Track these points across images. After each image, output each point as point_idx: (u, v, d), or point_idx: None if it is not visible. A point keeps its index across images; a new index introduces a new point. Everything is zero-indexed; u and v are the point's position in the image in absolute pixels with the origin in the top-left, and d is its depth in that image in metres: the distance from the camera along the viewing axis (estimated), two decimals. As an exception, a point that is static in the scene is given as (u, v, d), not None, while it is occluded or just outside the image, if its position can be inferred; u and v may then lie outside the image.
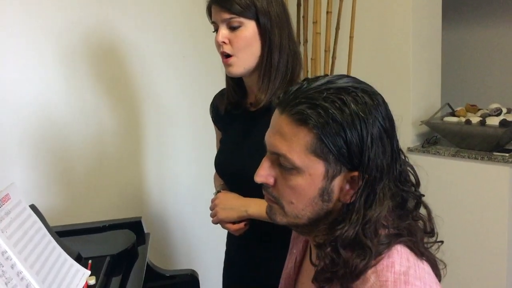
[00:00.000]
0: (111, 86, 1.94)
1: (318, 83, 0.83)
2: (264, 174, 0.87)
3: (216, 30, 1.28)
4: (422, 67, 2.50)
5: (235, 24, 1.25)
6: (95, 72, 1.89)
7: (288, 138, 0.81)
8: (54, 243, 1.20)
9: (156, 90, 2.08)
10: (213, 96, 1.55)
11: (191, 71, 2.20)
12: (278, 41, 1.27)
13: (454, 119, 2.38)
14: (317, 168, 0.81)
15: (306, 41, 2.33)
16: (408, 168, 0.91)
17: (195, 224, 2.26)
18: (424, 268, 0.83)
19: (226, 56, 1.28)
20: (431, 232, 0.92)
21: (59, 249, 1.20)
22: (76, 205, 1.86)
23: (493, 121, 2.24)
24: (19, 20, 1.68)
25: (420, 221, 0.91)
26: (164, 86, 2.10)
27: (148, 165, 2.09)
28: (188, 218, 2.24)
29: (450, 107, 2.48)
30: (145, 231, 1.59)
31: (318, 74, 2.25)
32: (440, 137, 2.51)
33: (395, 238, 0.84)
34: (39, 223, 1.19)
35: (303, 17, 2.33)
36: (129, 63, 1.98)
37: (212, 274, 2.33)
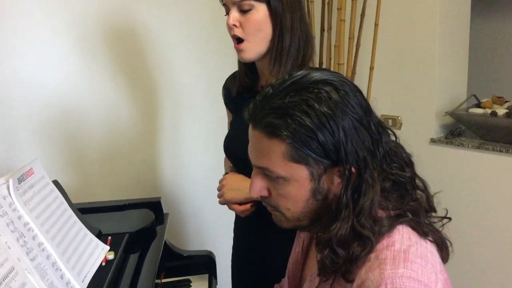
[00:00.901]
0: (128, 71, 1.97)
1: (281, 88, 0.83)
2: (257, 189, 0.89)
3: (227, 13, 1.28)
4: (449, 57, 2.45)
5: (246, 7, 1.24)
6: (112, 56, 1.92)
7: (265, 153, 0.83)
8: (75, 217, 1.23)
9: (172, 75, 2.10)
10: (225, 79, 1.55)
11: (207, 56, 2.21)
12: (290, 24, 1.26)
13: (479, 111, 2.33)
14: (301, 173, 0.82)
15: (330, 28, 2.31)
16: (394, 146, 0.90)
17: (208, 206, 2.28)
18: (427, 247, 0.83)
19: (237, 40, 1.28)
20: (429, 209, 0.91)
21: (79, 224, 1.23)
22: (92, 185, 1.91)
23: (520, 113, 2.19)
24: (38, 7, 1.71)
25: (421, 199, 0.90)
26: (180, 70, 2.12)
27: (163, 148, 2.12)
28: (201, 199, 2.26)
29: (476, 98, 2.43)
30: (164, 211, 1.61)
31: (342, 62, 2.23)
32: (464, 129, 2.47)
33: (396, 220, 0.84)
34: (61, 198, 1.22)
35: (328, 3, 2.31)
36: (146, 47, 2.01)
37: (226, 257, 2.37)
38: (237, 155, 1.41)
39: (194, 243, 2.22)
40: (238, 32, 1.26)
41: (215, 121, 2.25)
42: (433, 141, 2.45)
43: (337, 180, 0.83)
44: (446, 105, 2.48)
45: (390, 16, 2.37)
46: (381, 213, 0.84)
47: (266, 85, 1.32)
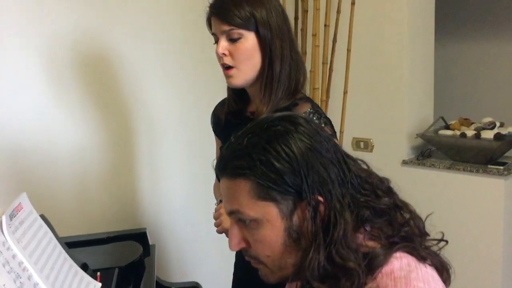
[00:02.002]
0: (103, 96, 1.92)
1: (240, 134, 0.85)
2: (235, 242, 0.87)
3: (216, 41, 1.28)
4: (416, 81, 2.53)
5: (235, 36, 1.25)
6: (87, 81, 1.86)
7: (234, 195, 0.83)
8: (65, 254, 1.17)
9: (148, 100, 2.05)
10: (214, 106, 1.56)
11: (184, 81, 2.18)
12: (279, 51, 1.26)
13: (449, 132, 2.41)
14: (270, 211, 0.81)
15: (305, 53, 2.34)
16: (366, 175, 0.89)
17: (190, 235, 2.23)
18: (427, 271, 0.82)
19: (226, 67, 1.28)
20: (421, 234, 0.90)
21: (70, 261, 1.17)
22: (69, 218, 1.81)
23: (488, 134, 2.28)
24: (6, 31, 1.64)
25: (411, 223, 0.89)
26: (156, 96, 2.08)
27: (141, 175, 2.05)
28: (184, 227, 2.21)
29: (444, 120, 2.52)
30: (150, 242, 1.56)
31: (317, 87, 2.26)
32: (434, 150, 2.54)
33: (391, 248, 0.83)
34: (50, 233, 1.16)
35: (302, 29, 2.35)
36: (122, 71, 1.96)
37: (212, 286, 2.30)
38: None
39: (177, 274, 2.15)
40: (227, 60, 1.27)
41: (193, 146, 2.22)
42: (405, 162, 2.51)
43: (308, 215, 0.81)
44: (415, 127, 2.55)
45: (362, 42, 2.44)
46: (374, 244, 0.83)
47: (256, 112, 1.32)
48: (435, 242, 0.91)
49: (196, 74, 2.21)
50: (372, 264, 0.80)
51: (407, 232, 0.86)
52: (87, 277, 1.18)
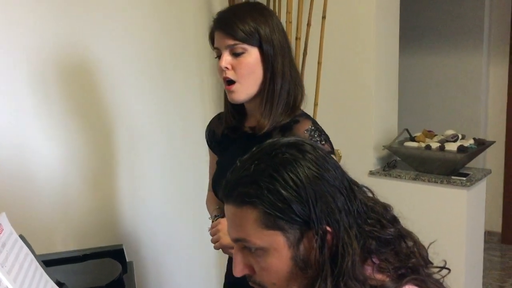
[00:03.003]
0: (81, 106, 1.85)
1: (247, 158, 0.84)
2: (239, 268, 0.86)
3: (219, 56, 1.28)
4: (383, 94, 2.60)
5: (239, 51, 1.26)
6: (64, 91, 1.79)
7: (239, 223, 0.82)
8: (46, 276, 1.12)
9: (128, 109, 2.00)
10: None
11: (164, 89, 2.14)
12: (281, 68, 1.28)
13: (414, 144, 2.49)
14: (278, 240, 0.80)
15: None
16: (372, 203, 0.88)
17: (170, 248, 2.19)
18: None
19: (228, 82, 1.28)
20: (426, 262, 0.91)
21: (51, 282, 1.13)
22: (44, 233, 1.74)
23: (451, 146, 2.37)
24: None
25: (416, 253, 0.89)
26: (137, 107, 2.04)
27: (119, 190, 2.00)
28: (162, 244, 2.17)
29: (409, 132, 2.60)
30: (127, 259, 1.52)
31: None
32: (398, 161, 2.61)
33: (401, 281, 0.83)
34: (31, 255, 1.11)
35: (273, 42, 2.36)
36: (101, 79, 1.90)
37: None
38: None
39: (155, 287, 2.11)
40: (230, 74, 1.27)
41: (175, 158, 2.18)
42: (371, 173, 2.57)
43: (315, 244, 0.80)
44: (380, 139, 2.61)
45: (331, 55, 2.48)
46: (382, 277, 0.83)
47: (257, 126, 1.32)
48: (436, 270, 0.92)
49: (177, 81, 2.18)
50: None
51: (413, 263, 0.86)
52: (69, 299, 1.14)
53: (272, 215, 0.78)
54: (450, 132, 2.49)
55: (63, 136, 1.79)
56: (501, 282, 3.40)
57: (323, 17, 2.32)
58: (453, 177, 2.34)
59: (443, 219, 2.37)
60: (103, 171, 1.93)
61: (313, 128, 1.31)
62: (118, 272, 1.35)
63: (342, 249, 0.79)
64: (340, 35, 2.52)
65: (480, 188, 2.48)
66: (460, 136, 2.46)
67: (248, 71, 1.26)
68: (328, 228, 0.79)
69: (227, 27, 1.25)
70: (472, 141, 2.45)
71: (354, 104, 2.56)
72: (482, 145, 2.48)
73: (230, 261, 1.49)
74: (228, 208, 0.84)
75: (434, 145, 2.41)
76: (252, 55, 1.26)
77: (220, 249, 1.34)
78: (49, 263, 1.34)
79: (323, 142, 1.30)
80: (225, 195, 0.85)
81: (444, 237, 2.41)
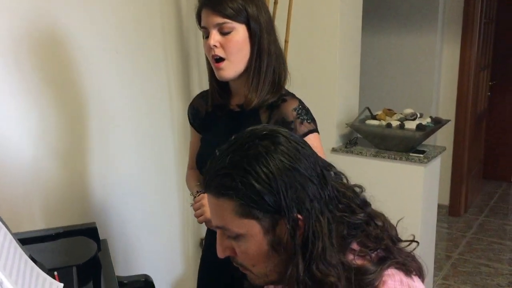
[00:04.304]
0: (50, 83, 1.79)
1: (224, 149, 0.88)
2: (221, 250, 0.92)
3: (207, 35, 1.30)
4: (346, 73, 2.66)
5: (227, 30, 1.27)
6: (36, 64, 1.73)
7: (219, 212, 0.88)
8: (25, 255, 1.11)
9: (100, 85, 1.95)
10: (193, 98, 1.57)
11: (133, 68, 2.10)
12: (267, 46, 1.31)
13: (375, 122, 2.57)
14: (253, 227, 0.86)
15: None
16: (343, 188, 0.93)
17: (140, 226, 2.19)
18: (416, 285, 0.89)
19: (217, 60, 1.30)
20: (396, 240, 0.96)
21: (30, 263, 1.12)
22: (15, 212, 1.70)
23: (410, 125, 2.47)
24: None
25: (385, 234, 0.93)
26: (107, 84, 1.98)
27: (90, 167, 1.96)
28: (132, 221, 2.15)
29: (370, 111, 2.68)
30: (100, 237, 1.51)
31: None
32: (360, 138, 2.70)
33: (382, 264, 0.88)
34: (10, 235, 1.10)
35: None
36: (70, 58, 1.84)
37: (163, 278, 2.29)
38: None
39: (124, 268, 2.09)
40: (219, 52, 1.28)
41: (145, 135, 2.16)
42: (334, 150, 2.64)
43: (287, 231, 0.85)
44: (343, 117, 2.68)
45: (297, 35, 2.50)
46: (363, 262, 0.88)
47: (244, 102, 1.35)
48: (406, 244, 0.97)
49: (148, 67, 2.15)
50: (365, 280, 0.85)
51: (386, 245, 0.91)
52: (49, 279, 1.13)
53: (247, 205, 0.84)
54: (409, 110, 2.58)
55: (32, 109, 1.73)
56: (449, 252, 3.60)
57: (290, -4, 2.33)
58: (411, 154, 2.44)
59: (401, 194, 2.48)
60: (75, 146, 1.89)
61: (300, 107, 1.36)
62: (94, 251, 1.35)
63: (312, 235, 0.84)
64: (305, 14, 2.54)
65: (435, 165, 2.60)
66: (418, 115, 2.56)
67: (237, 48, 1.28)
68: (299, 216, 0.84)
69: (215, 4, 1.26)
70: (429, 120, 2.56)
71: (318, 83, 2.60)
72: (438, 123, 2.59)
73: (209, 236, 1.52)
74: (208, 198, 0.90)
75: (395, 123, 2.50)
76: (240, 32, 1.28)
77: (203, 223, 1.37)
78: (20, 242, 1.32)
79: (309, 121, 1.35)
80: (205, 185, 0.90)
81: (402, 211, 2.52)
